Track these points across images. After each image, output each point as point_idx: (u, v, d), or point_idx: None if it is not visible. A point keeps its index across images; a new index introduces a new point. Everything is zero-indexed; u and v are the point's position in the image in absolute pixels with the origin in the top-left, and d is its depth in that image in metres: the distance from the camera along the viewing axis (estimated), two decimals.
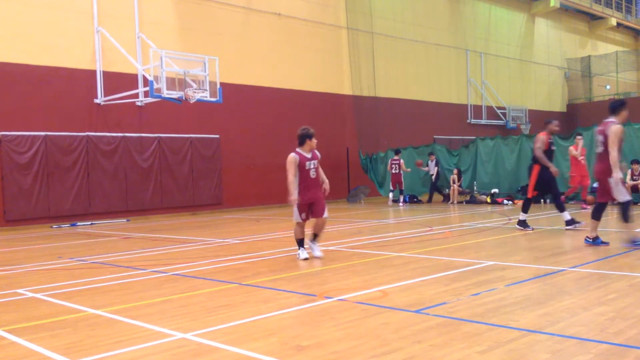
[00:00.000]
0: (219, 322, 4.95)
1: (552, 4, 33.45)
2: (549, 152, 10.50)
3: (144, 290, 6.57)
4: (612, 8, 39.71)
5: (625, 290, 5.62)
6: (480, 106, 30.41)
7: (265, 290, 6.30)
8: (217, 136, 19.84)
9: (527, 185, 10.96)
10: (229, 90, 18.50)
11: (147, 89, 16.36)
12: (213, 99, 16.25)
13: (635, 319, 4.59)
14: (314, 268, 7.59)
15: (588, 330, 4.33)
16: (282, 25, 22.02)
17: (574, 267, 6.93)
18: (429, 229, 11.97)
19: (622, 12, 41.11)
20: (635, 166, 16.02)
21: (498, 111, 31.10)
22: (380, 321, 4.80)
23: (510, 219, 13.34)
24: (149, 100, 17.38)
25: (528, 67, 33.88)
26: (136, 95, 17.59)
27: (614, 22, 39.31)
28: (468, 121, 29.62)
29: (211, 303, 5.76)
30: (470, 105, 29.93)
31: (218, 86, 16.27)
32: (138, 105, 18.09)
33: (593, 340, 4.08)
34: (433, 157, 20.75)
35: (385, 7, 25.97)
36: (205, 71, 15.96)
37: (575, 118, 34.42)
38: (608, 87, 36.69)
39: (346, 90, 24.28)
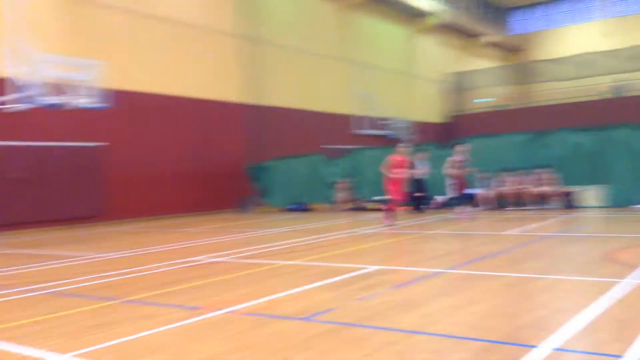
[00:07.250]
0: (99, 341, 4.69)
1: (431, 21, 35.49)
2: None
3: (16, 311, 6.08)
4: (487, 26, 42.87)
5: (496, 289, 6.02)
6: (365, 117, 31.29)
7: (149, 306, 6.06)
8: (101, 144, 18.85)
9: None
10: (117, 97, 17.65)
11: (22, 94, 15.23)
12: (96, 105, 15.47)
13: (507, 316, 4.92)
14: (200, 281, 7.42)
15: (464, 329, 4.58)
16: (171, 31, 21.49)
17: (449, 268, 7.32)
18: (317, 236, 12.13)
19: (497, 30, 44.54)
20: None
21: (381, 122, 32.17)
22: (269, 331, 4.78)
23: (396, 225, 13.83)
24: (22, 106, 16.15)
25: (410, 81, 35.54)
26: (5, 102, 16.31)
27: (488, 39, 42.69)
28: (352, 131, 30.39)
29: (90, 321, 5.44)
30: (355, 116, 30.72)
31: (102, 92, 15.49)
32: (9, 111, 16.74)
33: (469, 339, 4.33)
34: None
35: (275, 17, 26.16)
36: (88, 76, 15.14)
37: (452, 129, 36.53)
38: (487, 99, 39.09)
39: (237, 98, 24.10)
